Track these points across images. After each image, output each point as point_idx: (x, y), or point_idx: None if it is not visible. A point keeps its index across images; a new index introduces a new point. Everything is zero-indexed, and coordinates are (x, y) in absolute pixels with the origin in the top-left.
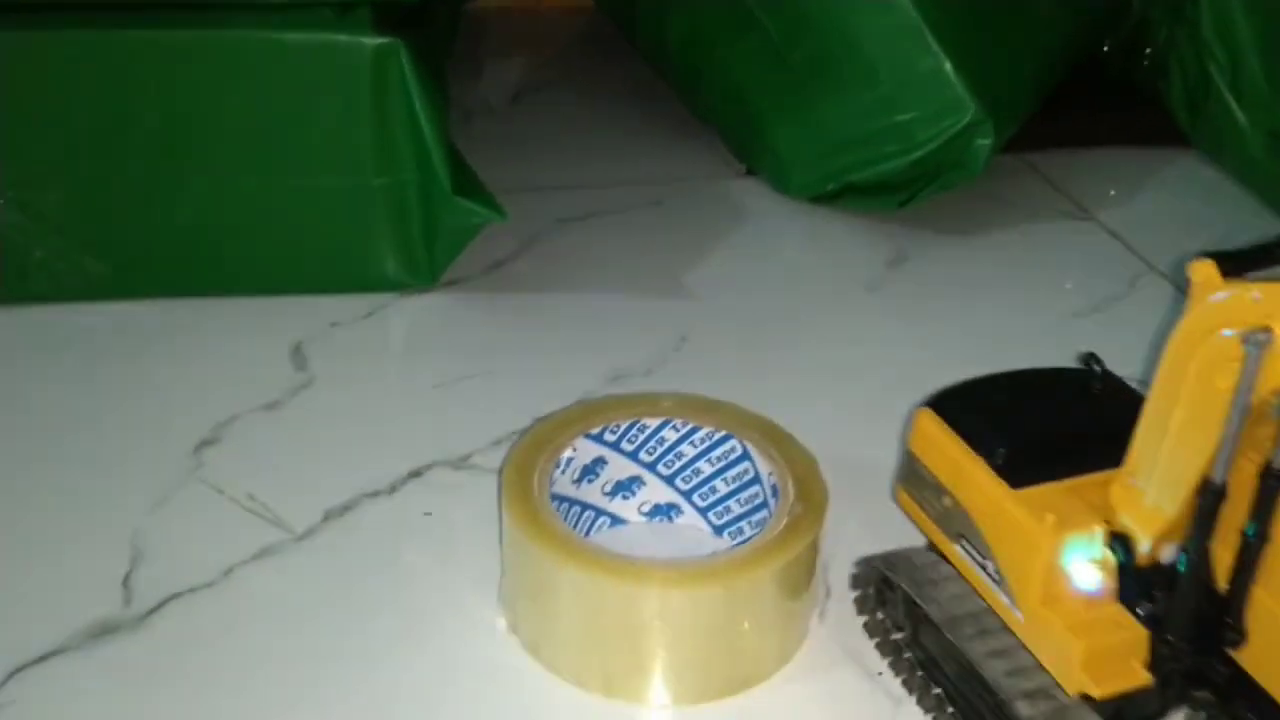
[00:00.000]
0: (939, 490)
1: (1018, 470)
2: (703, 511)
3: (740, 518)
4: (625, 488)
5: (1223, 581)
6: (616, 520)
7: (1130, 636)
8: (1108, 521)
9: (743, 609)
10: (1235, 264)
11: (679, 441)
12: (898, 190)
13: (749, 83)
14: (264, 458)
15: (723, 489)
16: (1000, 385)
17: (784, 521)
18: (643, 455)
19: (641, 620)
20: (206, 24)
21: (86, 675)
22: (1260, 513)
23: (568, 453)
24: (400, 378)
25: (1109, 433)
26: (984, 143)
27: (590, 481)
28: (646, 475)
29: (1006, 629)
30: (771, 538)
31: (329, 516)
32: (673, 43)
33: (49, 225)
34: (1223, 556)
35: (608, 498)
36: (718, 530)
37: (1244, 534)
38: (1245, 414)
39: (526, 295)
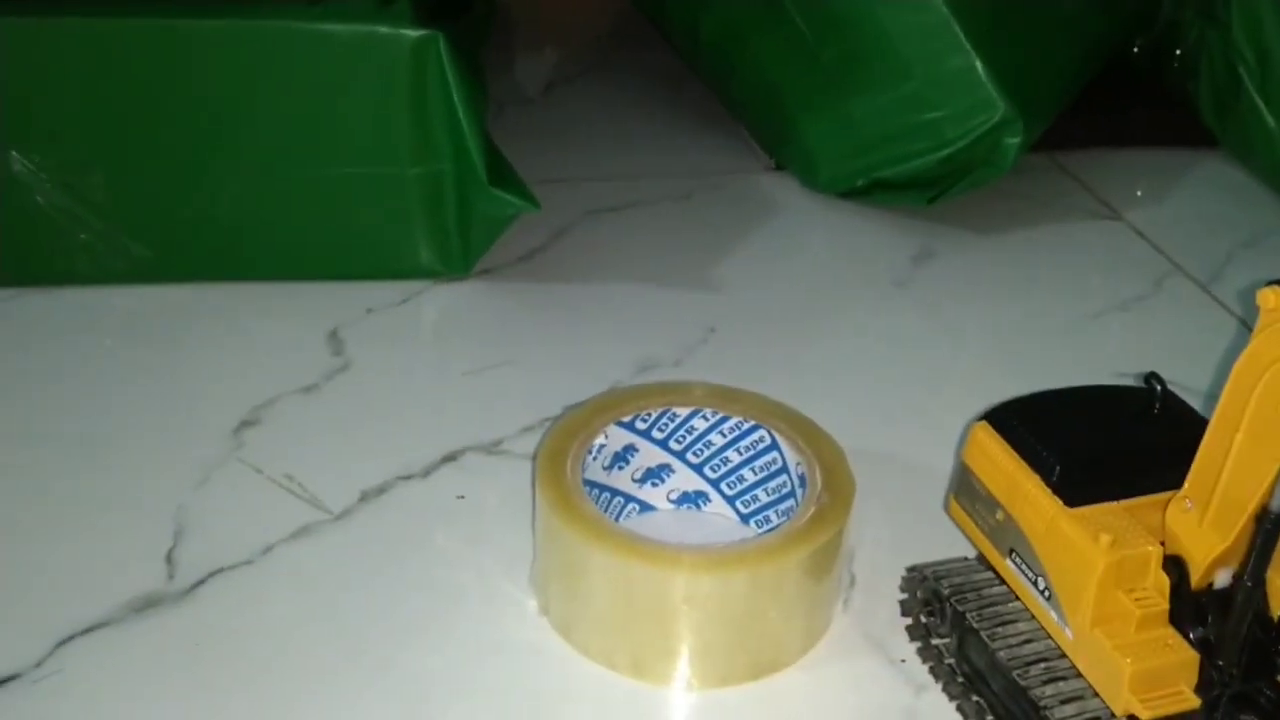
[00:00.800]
0: (992, 504)
1: (1073, 488)
2: (730, 500)
3: (767, 506)
4: (655, 475)
5: (1276, 608)
6: (646, 507)
7: (1180, 659)
8: (1163, 544)
9: (769, 595)
10: None
11: (708, 430)
12: (927, 187)
13: (780, 77)
14: (302, 439)
15: (750, 478)
16: (1057, 402)
17: (811, 510)
18: (672, 443)
19: (670, 604)
20: (248, 14)
21: (130, 646)
22: None
23: (600, 439)
24: (434, 364)
25: (1167, 454)
26: (1013, 141)
27: (621, 468)
28: (676, 463)
29: (1057, 648)
30: (799, 526)
31: (365, 497)
32: (704, 36)
33: (93, 209)
34: (1276, 582)
35: (637, 484)
36: (745, 519)
37: None
38: None
39: (557, 285)
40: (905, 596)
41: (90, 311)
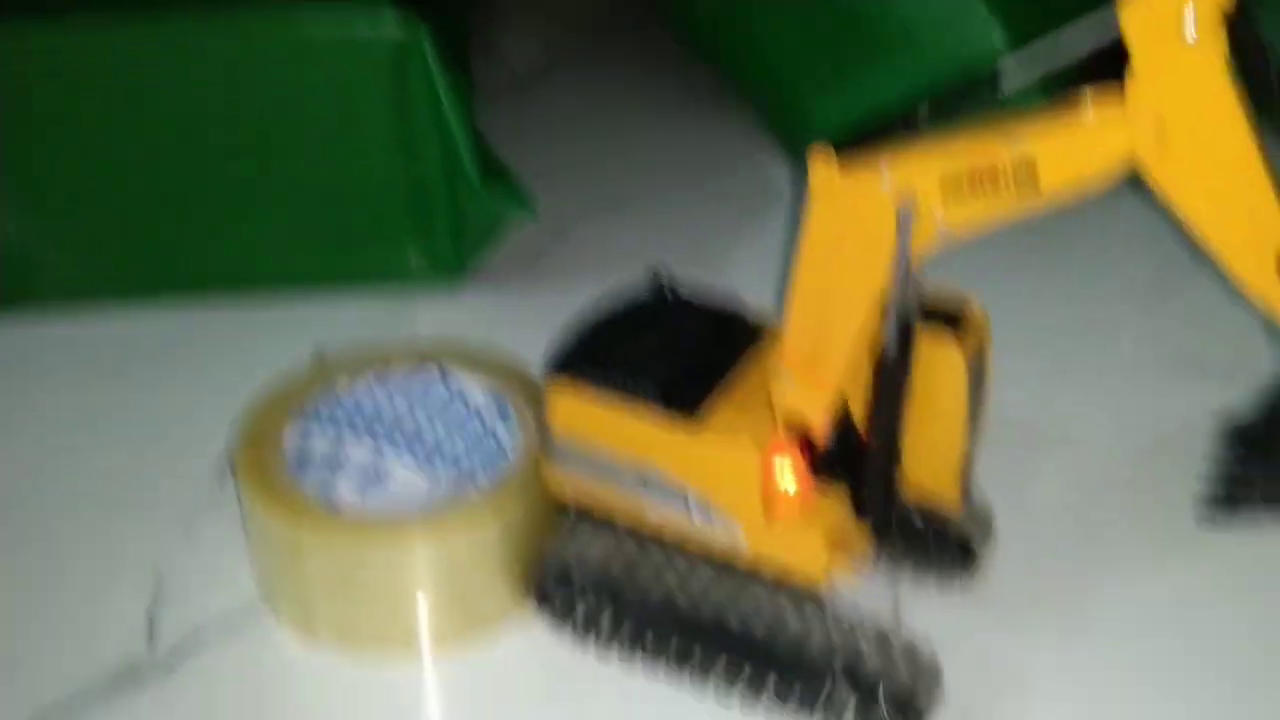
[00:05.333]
0: (603, 454)
1: (677, 402)
2: (401, 450)
3: (446, 438)
4: (332, 462)
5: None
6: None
7: (843, 512)
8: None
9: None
10: (851, 152)
11: (370, 392)
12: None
13: (782, 55)
14: None
15: (423, 419)
16: (599, 329)
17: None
18: (341, 418)
19: (401, 571)
20: (228, 16)
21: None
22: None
23: (286, 443)
24: None
25: (710, 337)
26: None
27: (304, 468)
28: (346, 435)
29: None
30: (523, 472)
31: None
32: (704, 16)
33: (63, 225)
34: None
35: (320, 479)
36: (424, 461)
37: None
38: (906, 281)
39: (558, 284)
40: (540, 605)
41: (65, 344)
